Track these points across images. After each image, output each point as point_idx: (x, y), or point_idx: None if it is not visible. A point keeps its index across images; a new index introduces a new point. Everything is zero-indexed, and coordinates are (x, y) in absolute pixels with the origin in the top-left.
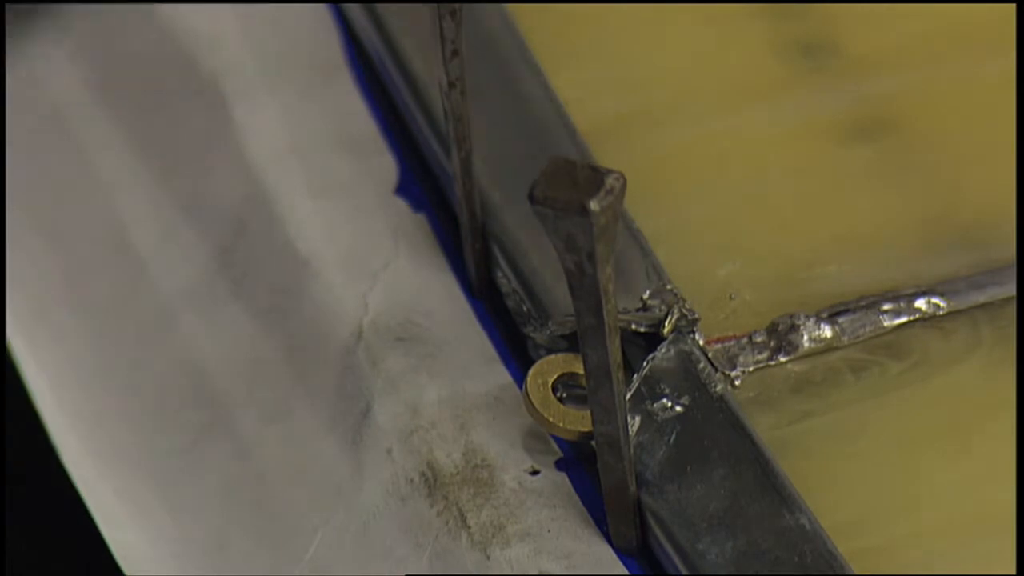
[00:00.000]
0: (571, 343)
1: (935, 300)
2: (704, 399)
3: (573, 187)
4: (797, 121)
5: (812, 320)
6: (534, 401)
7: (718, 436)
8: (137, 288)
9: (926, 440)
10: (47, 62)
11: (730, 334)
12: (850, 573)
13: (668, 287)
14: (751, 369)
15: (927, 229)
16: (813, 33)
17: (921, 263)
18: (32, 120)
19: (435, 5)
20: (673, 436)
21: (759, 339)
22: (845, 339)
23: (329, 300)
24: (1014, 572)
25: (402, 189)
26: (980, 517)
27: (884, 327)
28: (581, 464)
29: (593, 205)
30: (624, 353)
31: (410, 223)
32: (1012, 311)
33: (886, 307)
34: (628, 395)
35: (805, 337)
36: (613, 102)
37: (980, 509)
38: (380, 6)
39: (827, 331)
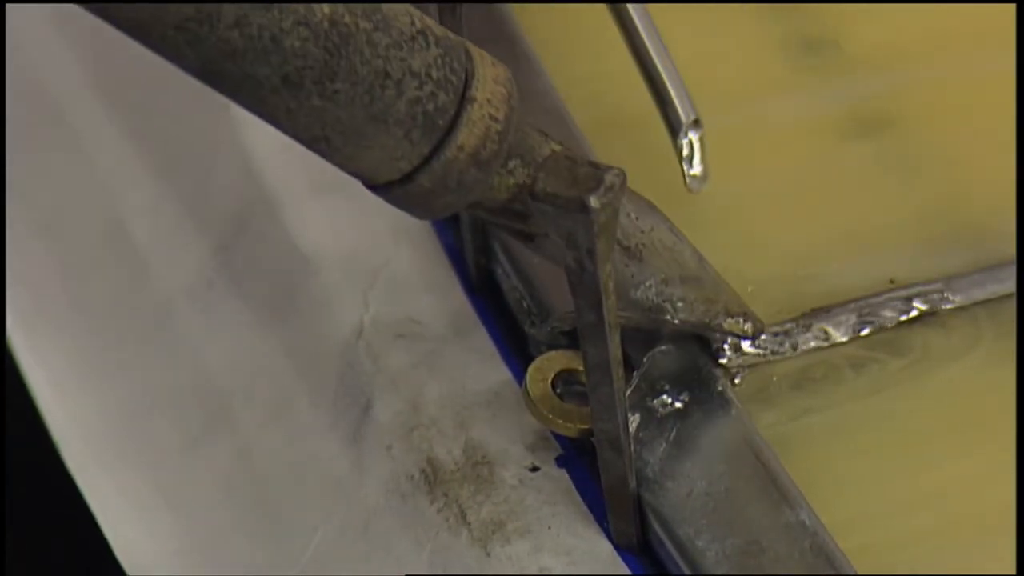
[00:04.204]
0: (571, 340)
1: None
2: (704, 396)
3: (573, 184)
4: (798, 118)
5: (812, 317)
6: (534, 398)
7: (718, 433)
8: (137, 285)
9: (926, 437)
10: (48, 58)
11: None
12: (850, 570)
13: None
14: (751, 365)
15: (927, 226)
16: (814, 30)
17: (921, 259)
18: (32, 116)
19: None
20: (673, 433)
21: (759, 335)
22: (845, 336)
23: (329, 297)
24: (1014, 572)
25: None
26: (980, 515)
27: (884, 324)
28: (581, 461)
29: (593, 202)
30: (624, 350)
31: (410, 220)
32: (1012, 308)
33: (886, 304)
34: (628, 392)
35: (805, 334)
36: (614, 99)
37: (980, 507)
38: None
39: (827, 328)
